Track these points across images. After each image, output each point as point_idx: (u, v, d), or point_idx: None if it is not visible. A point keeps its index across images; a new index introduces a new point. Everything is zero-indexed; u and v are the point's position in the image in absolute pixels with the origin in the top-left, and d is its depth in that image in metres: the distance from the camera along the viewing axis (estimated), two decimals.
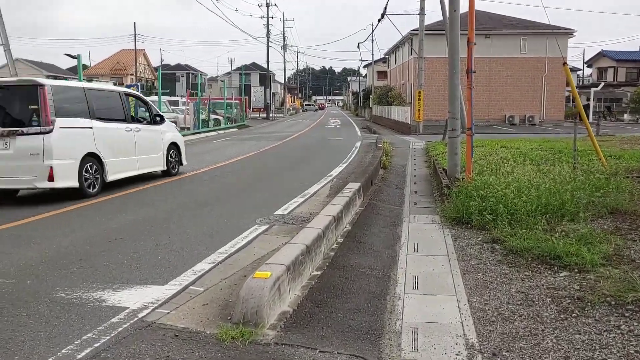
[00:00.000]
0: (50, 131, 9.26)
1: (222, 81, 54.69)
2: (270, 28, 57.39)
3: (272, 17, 57.25)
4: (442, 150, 15.30)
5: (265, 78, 65.46)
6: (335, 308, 4.48)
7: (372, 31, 63.80)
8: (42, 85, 9.38)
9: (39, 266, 5.54)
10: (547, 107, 41.02)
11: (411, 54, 40.08)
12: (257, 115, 60.24)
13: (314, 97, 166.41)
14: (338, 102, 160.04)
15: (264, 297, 4.09)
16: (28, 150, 9.21)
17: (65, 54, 41.39)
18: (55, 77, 51.25)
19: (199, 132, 31.71)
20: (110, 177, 10.50)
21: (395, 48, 51.13)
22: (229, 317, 4.13)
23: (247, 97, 56.84)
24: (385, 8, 29.45)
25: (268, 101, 58.88)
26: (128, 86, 27.87)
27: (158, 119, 12.52)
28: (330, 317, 4.29)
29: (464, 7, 10.69)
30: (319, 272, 5.32)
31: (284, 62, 72.25)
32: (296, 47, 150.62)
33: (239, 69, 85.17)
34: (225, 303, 4.47)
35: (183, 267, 5.42)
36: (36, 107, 9.30)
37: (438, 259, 5.94)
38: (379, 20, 31.65)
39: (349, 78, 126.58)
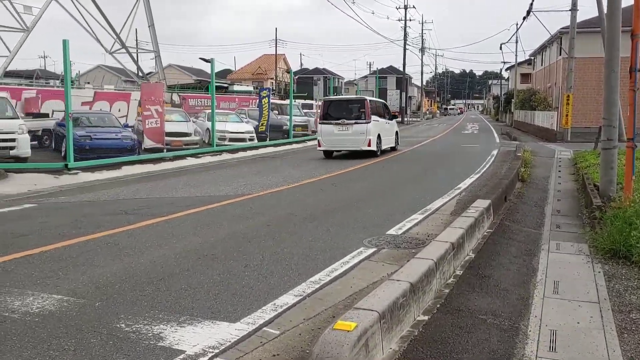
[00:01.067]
0: (369, 122, 18.18)
1: (355, 84, 54.41)
2: (407, 30, 56.10)
3: (410, 19, 55.77)
4: (593, 162, 13.33)
5: (402, 81, 64.30)
6: None
7: (517, 30, 59.60)
8: (365, 99, 18.94)
9: (117, 284, 5.06)
10: None
11: (560, 54, 36.84)
12: None
13: (452, 101, 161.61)
14: (477, 107, 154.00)
15: (342, 356, 3.16)
16: (359, 131, 18.11)
17: (200, 58, 43.02)
18: (200, 82, 54.02)
19: None
20: (383, 147, 19.27)
21: (542, 48, 47.53)
22: None
23: None
24: (531, 5, 27.12)
25: (403, 105, 57.64)
26: (261, 89, 28.15)
27: (392, 117, 21.67)
28: None
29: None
30: (426, 317, 4.27)
31: (422, 65, 70.55)
32: (435, 50, 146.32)
33: (375, 72, 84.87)
34: (299, 355, 3.60)
35: (265, 298, 4.63)
36: (363, 110, 18.33)
37: (585, 307, 4.63)
38: (524, 19, 29.25)
39: (490, 81, 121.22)
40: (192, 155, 18.84)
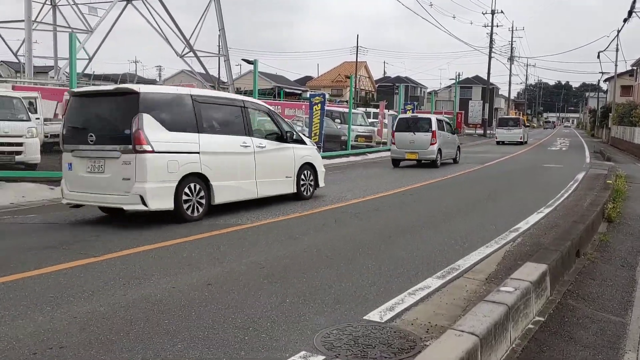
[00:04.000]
0: (520, 128, 37.72)
1: (429, 94, 51.31)
2: (495, 38, 52.26)
3: (497, 25, 51.48)
4: None
5: (486, 92, 60.02)
6: None
7: (616, 36, 53.38)
8: (520, 118, 41.40)
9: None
10: None
11: None
12: (473, 132, 55.32)
13: (545, 114, 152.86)
14: (572, 120, 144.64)
15: None
16: (516, 132, 36.63)
17: (243, 59, 41.58)
18: (272, 88, 52.77)
19: None
20: (525, 140, 37.31)
21: None
22: None
23: (461, 112, 52.45)
24: (633, 4, 23.30)
25: (486, 117, 53.66)
26: (312, 95, 25.75)
27: (526, 126, 41.55)
28: None
29: None
30: None
31: (509, 75, 65.48)
32: (526, 59, 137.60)
33: (458, 82, 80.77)
34: None
35: None
36: (518, 122, 38.52)
37: None
38: (625, 21, 25.44)
39: (587, 94, 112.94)
40: None
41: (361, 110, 34.82)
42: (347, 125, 25.40)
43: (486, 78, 57.36)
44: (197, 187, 8.37)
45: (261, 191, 9.68)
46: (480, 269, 6.02)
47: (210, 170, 8.53)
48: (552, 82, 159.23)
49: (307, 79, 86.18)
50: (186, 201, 8.21)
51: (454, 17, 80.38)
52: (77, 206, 8.70)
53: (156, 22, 40.04)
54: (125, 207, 7.90)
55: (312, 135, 22.02)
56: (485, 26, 52.68)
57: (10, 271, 5.61)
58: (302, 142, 10.98)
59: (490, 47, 51.90)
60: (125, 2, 40.57)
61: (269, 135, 10.30)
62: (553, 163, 21.87)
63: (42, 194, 11.52)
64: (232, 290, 5.08)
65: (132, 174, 7.72)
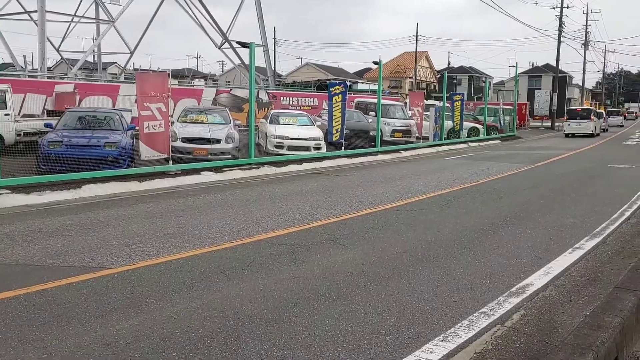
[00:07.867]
0: (591, 120, 36.13)
1: (483, 82, 46.84)
2: (565, 21, 47.04)
3: (568, 7, 46.11)
4: None
5: (560, 81, 54.73)
6: None
7: None
8: (591, 109, 38.26)
9: None
10: None
11: None
12: (540, 124, 50.30)
13: (626, 105, 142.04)
14: None
15: None
16: (588, 124, 35.14)
17: (237, 42, 38.23)
18: (319, 80, 49.91)
19: (439, 145, 25.18)
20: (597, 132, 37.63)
21: None
22: None
23: (525, 103, 47.69)
24: None
25: (554, 108, 48.57)
26: (331, 84, 22.52)
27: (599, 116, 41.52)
28: None
29: None
30: None
31: (584, 63, 59.40)
32: (603, 45, 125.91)
33: (527, 71, 75.04)
34: None
35: None
36: (589, 113, 36.86)
37: None
38: None
39: None
40: (212, 169, 14.13)
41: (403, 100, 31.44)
42: (384, 119, 22.25)
43: (560, 66, 52.11)
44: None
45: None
46: None
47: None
48: (634, 70, 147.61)
49: (367, 70, 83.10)
50: None
51: None
52: (570, 134, 34.29)
53: (195, 15, 38.16)
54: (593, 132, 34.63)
55: (334, 131, 18.95)
56: (554, 8, 47.63)
57: None
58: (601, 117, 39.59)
59: (560, 31, 46.80)
60: None
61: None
62: (623, 163, 17.84)
63: None
64: None
65: (592, 126, 34.24)
